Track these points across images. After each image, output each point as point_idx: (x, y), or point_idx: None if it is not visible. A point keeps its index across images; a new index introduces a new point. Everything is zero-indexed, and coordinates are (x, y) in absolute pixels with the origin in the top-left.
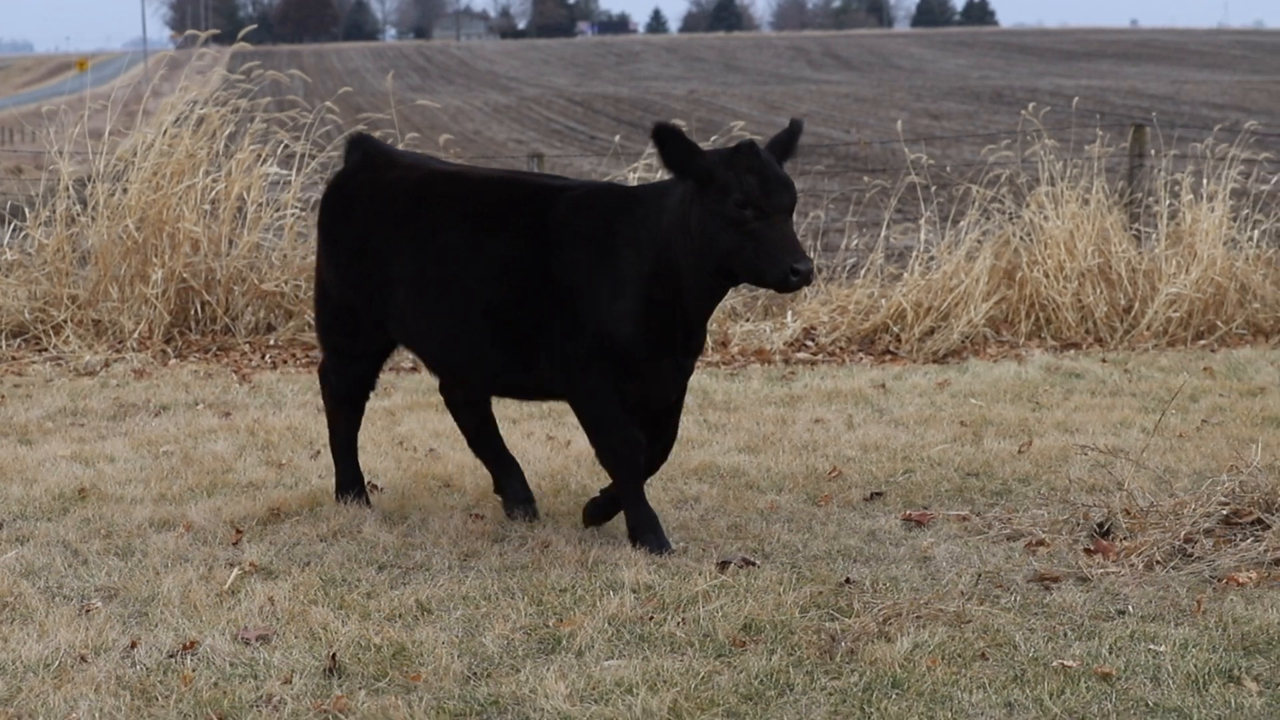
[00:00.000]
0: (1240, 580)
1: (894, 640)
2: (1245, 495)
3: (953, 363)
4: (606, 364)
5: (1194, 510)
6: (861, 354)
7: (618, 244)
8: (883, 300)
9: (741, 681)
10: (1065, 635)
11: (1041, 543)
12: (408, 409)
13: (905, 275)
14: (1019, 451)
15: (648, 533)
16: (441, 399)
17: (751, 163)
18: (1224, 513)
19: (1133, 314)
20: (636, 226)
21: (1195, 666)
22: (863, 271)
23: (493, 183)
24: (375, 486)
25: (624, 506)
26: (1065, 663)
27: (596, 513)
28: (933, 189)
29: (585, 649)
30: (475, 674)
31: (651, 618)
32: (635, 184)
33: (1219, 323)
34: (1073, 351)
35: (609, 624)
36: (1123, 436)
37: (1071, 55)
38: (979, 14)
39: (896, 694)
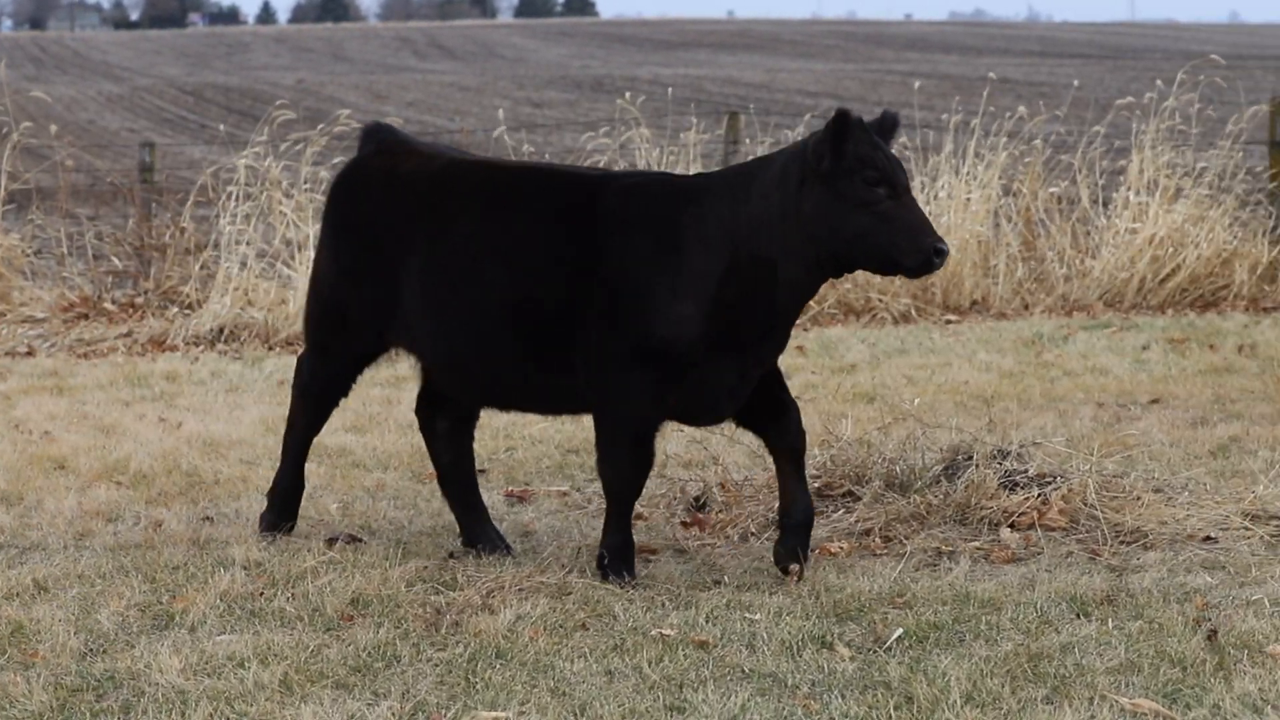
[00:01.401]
0: (832, 550)
1: (497, 612)
2: (836, 468)
3: None
4: (651, 371)
5: None
6: None
7: (684, 239)
8: None
9: (350, 654)
10: (663, 605)
11: (640, 516)
12: (23, 393)
13: None
14: None
15: (620, 562)
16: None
17: (872, 137)
18: (816, 485)
19: None
20: (705, 220)
21: (790, 633)
22: None
23: (528, 171)
24: None
25: (605, 527)
26: (664, 631)
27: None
28: None
29: (198, 625)
30: (91, 650)
31: (262, 593)
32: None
33: (812, 302)
34: None
35: (221, 600)
36: None
37: (670, 45)
38: (580, 5)
39: (500, 664)
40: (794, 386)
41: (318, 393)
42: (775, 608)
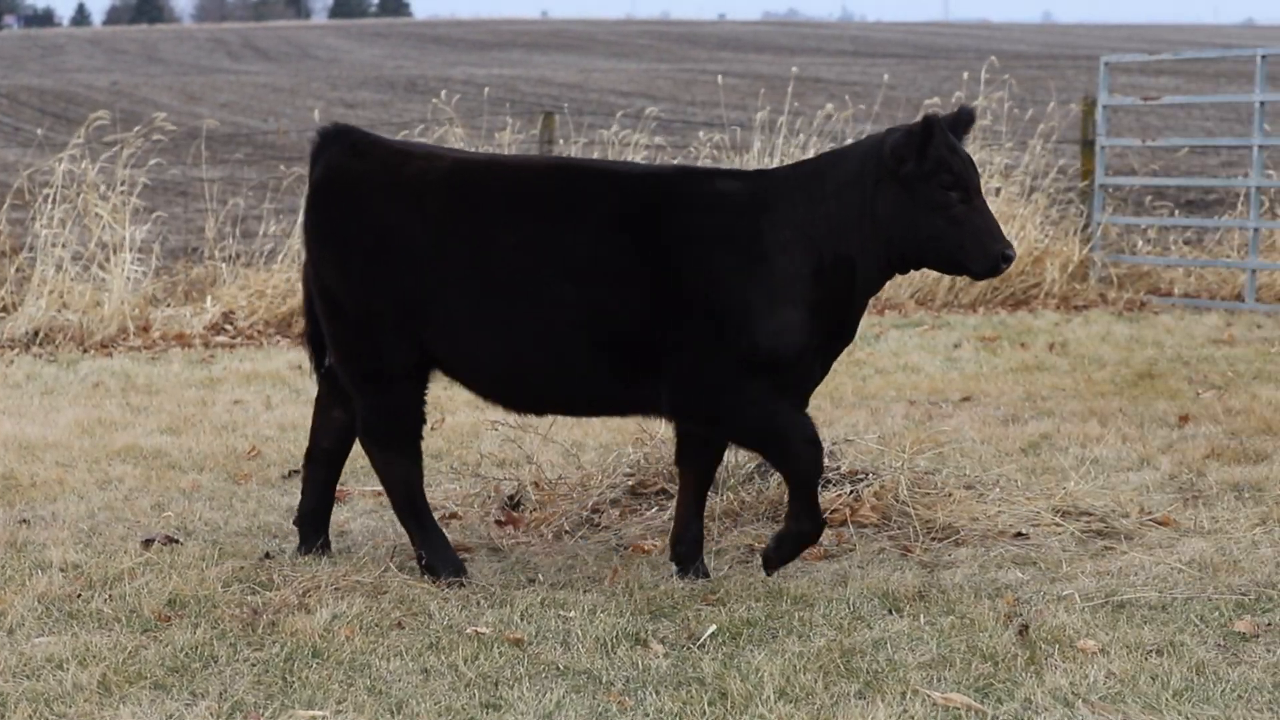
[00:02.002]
0: (646, 548)
1: (314, 611)
2: (649, 467)
3: None
4: (766, 380)
5: (600, 482)
6: (279, 337)
7: (766, 249)
8: (299, 284)
9: (168, 655)
10: (479, 604)
11: (455, 515)
12: None
13: None
14: (432, 428)
15: (799, 545)
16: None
17: (950, 140)
18: (629, 484)
19: None
20: (779, 225)
21: (604, 630)
22: (280, 257)
23: (570, 172)
24: None
25: (795, 511)
26: (479, 629)
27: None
28: None
29: (16, 627)
30: None
31: (79, 595)
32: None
33: None
34: None
35: (39, 602)
36: None
37: (484, 45)
38: (394, 6)
39: (317, 663)
40: None
41: (400, 432)
42: (590, 605)
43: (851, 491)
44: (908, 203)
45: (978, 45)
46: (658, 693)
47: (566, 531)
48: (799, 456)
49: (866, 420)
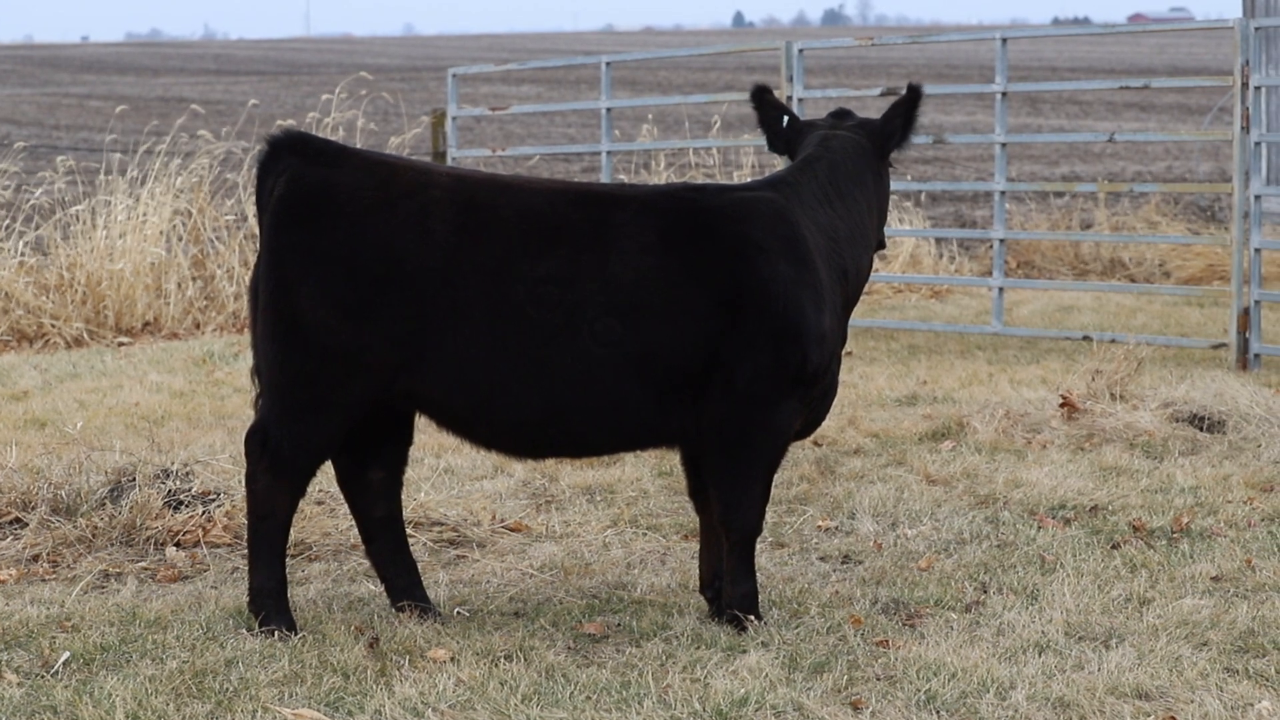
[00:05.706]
0: (2, 578)
1: None
2: (2, 496)
3: None
4: (800, 399)
5: None
6: None
7: (811, 254)
8: None
9: None
10: None
11: None
12: None
13: None
14: None
15: (755, 604)
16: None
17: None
18: None
19: None
20: (814, 232)
21: None
22: None
23: (589, 195)
24: None
25: (735, 576)
26: None
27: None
28: None
29: None
30: None
31: None
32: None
33: None
34: None
35: None
36: None
37: None
38: None
39: None
40: None
41: (304, 464)
42: None
43: (204, 512)
44: (888, 183)
45: (340, 60)
46: None
47: None
48: (756, 506)
49: (223, 440)
